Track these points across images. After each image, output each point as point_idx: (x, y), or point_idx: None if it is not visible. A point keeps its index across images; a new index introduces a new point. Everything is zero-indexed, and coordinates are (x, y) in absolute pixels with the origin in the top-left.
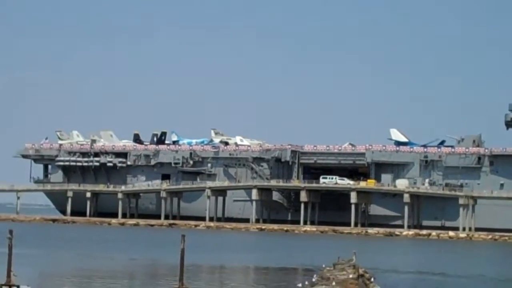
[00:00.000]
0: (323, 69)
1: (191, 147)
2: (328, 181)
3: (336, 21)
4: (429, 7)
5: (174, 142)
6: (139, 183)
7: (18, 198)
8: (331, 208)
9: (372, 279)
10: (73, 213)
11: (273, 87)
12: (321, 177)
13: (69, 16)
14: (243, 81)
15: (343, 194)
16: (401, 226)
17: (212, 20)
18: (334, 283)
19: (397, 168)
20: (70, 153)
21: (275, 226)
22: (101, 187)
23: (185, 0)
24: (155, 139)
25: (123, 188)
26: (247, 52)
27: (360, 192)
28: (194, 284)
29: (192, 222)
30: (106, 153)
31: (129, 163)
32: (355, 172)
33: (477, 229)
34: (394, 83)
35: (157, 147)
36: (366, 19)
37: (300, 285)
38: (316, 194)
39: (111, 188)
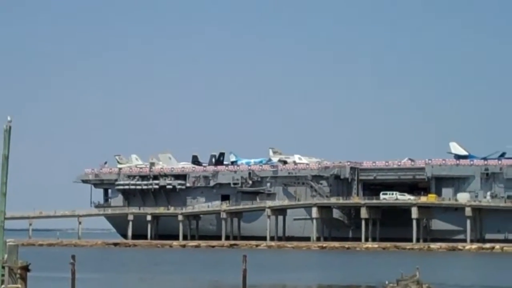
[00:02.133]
0: (379, 84)
1: (249, 167)
2: (388, 197)
3: (391, 32)
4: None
5: (233, 163)
6: (199, 205)
7: (80, 223)
8: (392, 224)
9: None
10: (134, 237)
11: (328, 104)
12: (381, 193)
13: (122, 37)
14: (299, 99)
15: (404, 210)
16: (464, 241)
17: (265, 37)
18: None
19: (458, 182)
20: (129, 176)
21: (336, 244)
22: (161, 210)
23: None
24: (213, 160)
25: (183, 210)
26: (301, 70)
27: (421, 207)
28: None
29: (253, 242)
30: (165, 175)
31: (188, 185)
32: (415, 187)
33: None
34: (451, 96)
35: (215, 168)
36: (423, 31)
37: None
38: (376, 210)
39: (171, 210)
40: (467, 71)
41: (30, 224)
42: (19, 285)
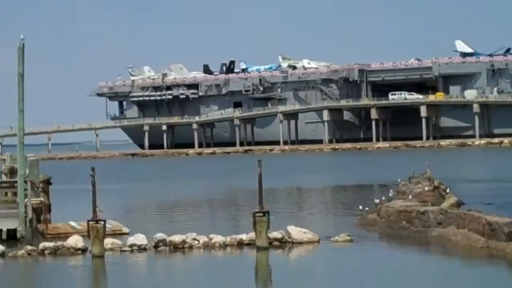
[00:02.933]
0: None
1: (260, 74)
2: (397, 97)
3: None
4: None
5: (243, 70)
6: (212, 113)
7: (97, 135)
8: (401, 123)
9: (448, 190)
10: (151, 146)
11: (334, 7)
12: (390, 93)
13: None
14: (306, 4)
15: (413, 109)
16: (473, 136)
17: None
18: (410, 197)
19: (465, 79)
20: (143, 88)
21: (348, 145)
22: (175, 119)
23: None
24: (224, 68)
25: (197, 118)
26: None
27: (430, 106)
28: (274, 206)
29: (267, 147)
30: (178, 85)
31: (200, 93)
32: (423, 86)
33: None
34: None
35: (227, 76)
36: None
37: (377, 200)
38: (386, 111)
39: (185, 119)
40: None
41: (49, 139)
42: (42, 198)
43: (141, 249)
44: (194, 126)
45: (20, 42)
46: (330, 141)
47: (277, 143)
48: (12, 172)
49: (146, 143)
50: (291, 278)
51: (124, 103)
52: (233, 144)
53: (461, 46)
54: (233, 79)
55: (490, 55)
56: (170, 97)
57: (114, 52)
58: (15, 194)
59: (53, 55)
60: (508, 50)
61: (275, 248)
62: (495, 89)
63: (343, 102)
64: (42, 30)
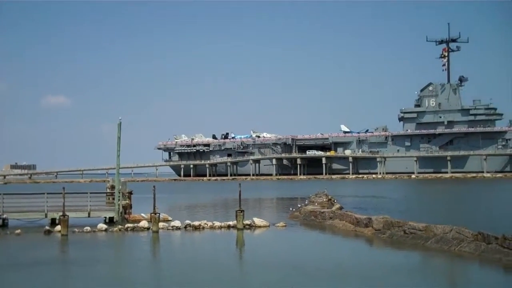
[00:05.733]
0: (295, 85)
1: (241, 139)
2: (310, 153)
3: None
4: None
5: (233, 137)
6: (216, 159)
7: (157, 169)
8: (313, 166)
9: (335, 201)
10: (184, 175)
11: (279, 102)
12: (307, 151)
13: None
14: (270, 98)
15: (318, 159)
16: (348, 174)
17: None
18: (316, 204)
19: (345, 145)
20: (181, 146)
21: (285, 177)
22: (196, 162)
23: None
24: (222, 136)
25: (208, 162)
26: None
27: (327, 157)
28: (246, 207)
29: (244, 177)
30: (199, 145)
31: (210, 149)
32: (324, 147)
33: (387, 173)
34: (339, 89)
35: (224, 140)
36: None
37: (299, 205)
38: (305, 160)
39: (202, 162)
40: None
41: (132, 171)
42: (127, 201)
43: (177, 228)
44: (207, 165)
45: (119, 121)
46: (276, 175)
47: (249, 175)
48: (112, 187)
49: (182, 174)
50: (255, 243)
51: (171, 153)
52: (226, 175)
53: (343, 127)
54: (227, 142)
55: (358, 133)
56: (195, 150)
57: (167, 125)
58: (113, 198)
59: (137, 124)
60: (367, 130)
61: (247, 229)
62: (360, 150)
63: (283, 155)
64: (127, 110)
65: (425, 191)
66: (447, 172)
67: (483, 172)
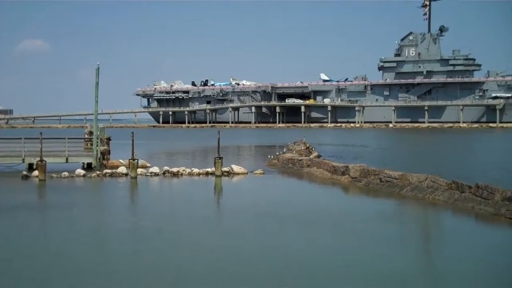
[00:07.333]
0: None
1: (220, 87)
2: (290, 101)
3: None
4: None
5: (212, 85)
6: (195, 106)
7: (135, 116)
8: (291, 115)
9: (313, 149)
10: (163, 123)
11: (260, 49)
12: (286, 99)
13: None
14: (246, 45)
15: (297, 107)
16: (327, 122)
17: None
18: (294, 152)
19: (324, 93)
20: (160, 92)
21: (264, 125)
22: (175, 109)
23: None
24: (202, 83)
25: (187, 109)
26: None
27: (306, 106)
28: (225, 154)
29: (223, 124)
30: (178, 91)
31: (190, 96)
32: (303, 96)
33: (365, 122)
34: (319, 37)
35: (203, 88)
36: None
37: (278, 153)
38: (284, 108)
39: (181, 109)
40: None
41: (110, 117)
42: (105, 147)
43: (156, 175)
44: (186, 113)
45: (97, 66)
46: (255, 123)
47: (228, 123)
48: (91, 133)
49: (161, 121)
50: (233, 189)
51: (150, 99)
52: (205, 122)
53: (323, 76)
54: (207, 89)
55: (337, 81)
56: (174, 97)
57: (146, 71)
58: (91, 144)
59: (115, 70)
60: (346, 79)
61: (225, 176)
62: (339, 99)
63: (262, 103)
64: (89, 39)
65: (402, 140)
66: (424, 122)
67: (459, 122)
